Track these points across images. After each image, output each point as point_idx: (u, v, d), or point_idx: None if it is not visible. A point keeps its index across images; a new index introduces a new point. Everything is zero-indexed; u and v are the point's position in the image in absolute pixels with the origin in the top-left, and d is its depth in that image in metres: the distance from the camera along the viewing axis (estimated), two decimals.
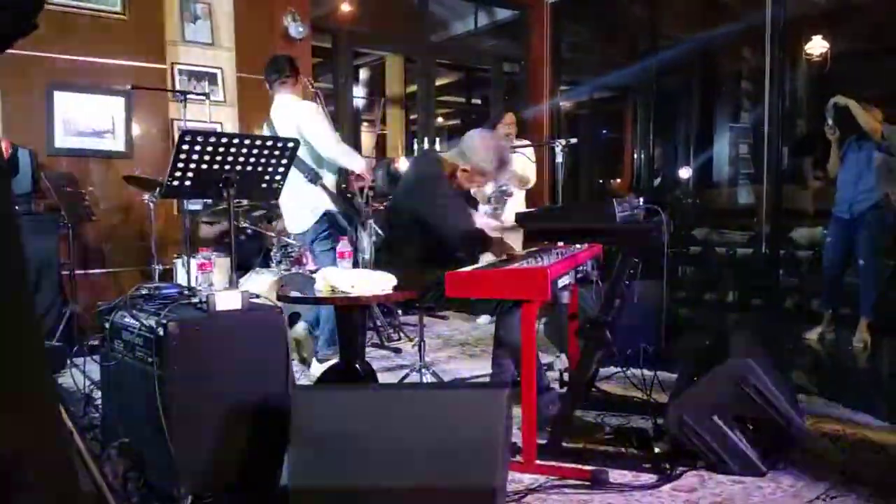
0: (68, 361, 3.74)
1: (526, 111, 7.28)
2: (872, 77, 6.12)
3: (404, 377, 3.36)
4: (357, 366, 2.66)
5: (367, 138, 10.58)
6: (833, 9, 6.66)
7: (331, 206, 3.74)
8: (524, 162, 5.01)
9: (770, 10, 5.62)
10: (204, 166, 2.58)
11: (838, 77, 6.70)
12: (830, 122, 4.52)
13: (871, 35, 6.54)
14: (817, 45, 6.46)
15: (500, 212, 4.95)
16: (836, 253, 4.59)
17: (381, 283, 2.54)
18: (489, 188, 4.96)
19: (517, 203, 5.25)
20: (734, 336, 2.78)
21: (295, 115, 3.71)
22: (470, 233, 3.04)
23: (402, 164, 5.59)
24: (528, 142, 5.47)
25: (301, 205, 3.73)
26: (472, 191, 5.25)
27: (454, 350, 4.49)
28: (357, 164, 3.75)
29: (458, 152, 3.13)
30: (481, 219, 3.57)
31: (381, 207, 5.22)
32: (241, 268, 4.40)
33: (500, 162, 3.09)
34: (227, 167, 2.64)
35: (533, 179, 5.24)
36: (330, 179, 3.80)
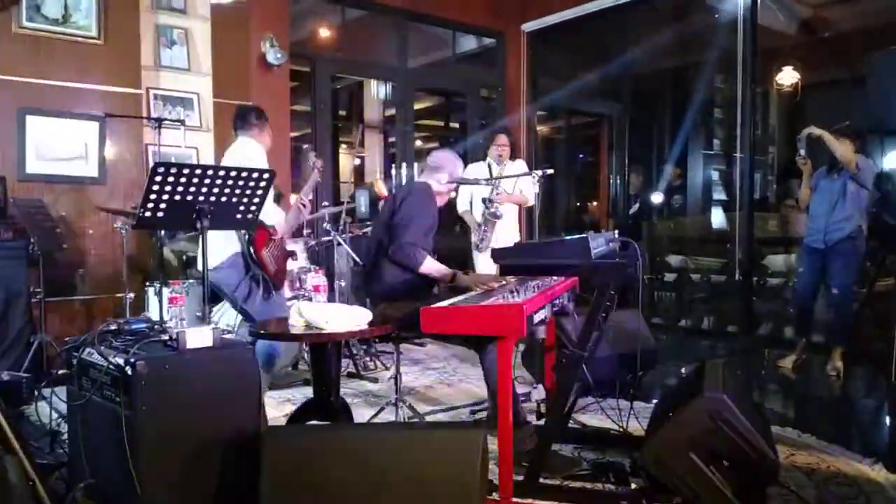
0: (35, 393, 3.65)
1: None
2: (844, 107, 6.26)
3: (380, 410, 3.32)
4: (332, 401, 2.63)
5: (346, 161, 10.61)
6: (804, 40, 6.81)
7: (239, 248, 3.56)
8: (523, 181, 4.83)
9: (742, 40, 5.74)
10: (177, 197, 2.55)
11: (810, 107, 6.86)
12: (802, 152, 4.57)
13: (841, 65, 6.70)
14: (788, 76, 6.61)
15: (489, 234, 4.85)
16: (808, 282, 4.63)
17: (356, 318, 2.51)
18: (478, 213, 4.92)
19: (511, 224, 5.06)
20: (709, 368, 2.78)
21: (239, 152, 3.62)
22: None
23: (382, 187, 5.56)
24: (523, 164, 5.21)
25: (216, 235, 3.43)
26: (462, 211, 5.19)
27: (431, 378, 4.46)
28: (272, 218, 3.63)
29: (430, 173, 3.38)
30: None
31: (360, 234, 5.21)
32: (215, 297, 4.34)
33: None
34: (200, 198, 2.61)
35: (531, 198, 4.89)
36: None
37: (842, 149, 4.32)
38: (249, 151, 3.64)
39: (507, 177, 4.55)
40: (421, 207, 3.18)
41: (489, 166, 5.01)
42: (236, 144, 3.80)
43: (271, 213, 3.59)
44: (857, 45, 6.11)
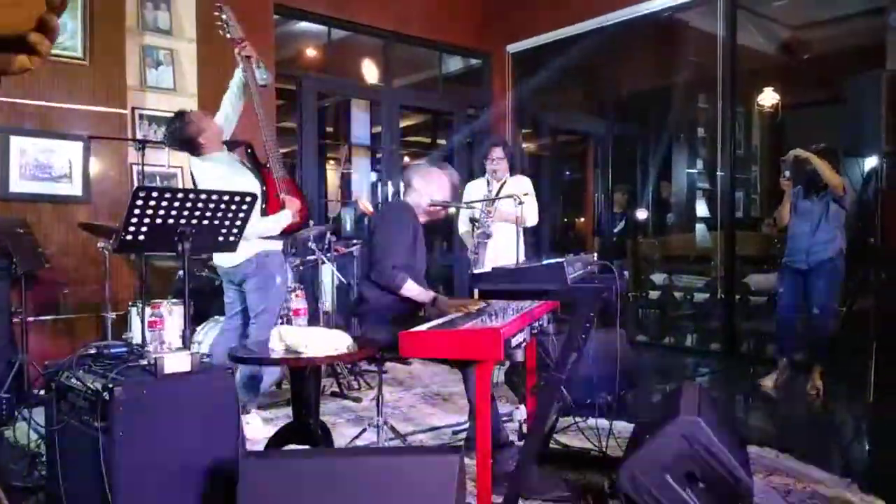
0: (16, 414, 3.63)
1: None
2: (823, 127, 6.36)
3: (361, 432, 3.33)
4: (311, 424, 2.63)
5: (333, 176, 10.63)
6: (784, 62, 6.93)
7: (267, 247, 3.57)
8: (521, 197, 4.17)
9: (722, 62, 5.82)
10: (159, 221, 2.57)
11: (789, 126, 6.96)
12: (788, 173, 4.60)
13: (820, 86, 6.82)
14: (769, 96, 6.72)
15: (481, 255, 4.60)
16: (790, 302, 4.65)
17: (335, 342, 2.52)
18: (476, 234, 4.65)
19: (510, 243, 4.33)
20: (685, 389, 2.81)
21: (210, 174, 3.56)
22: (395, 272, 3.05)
23: (367, 205, 5.56)
24: (526, 180, 4.78)
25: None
26: (462, 231, 4.97)
27: (415, 398, 4.46)
28: (279, 226, 3.56)
29: (414, 192, 3.33)
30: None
31: (345, 252, 5.20)
32: (200, 316, 4.34)
33: (454, 188, 3.37)
34: (182, 221, 2.63)
35: (530, 217, 4.53)
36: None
37: (829, 172, 4.35)
38: (207, 170, 3.58)
39: (486, 199, 4.51)
40: (397, 228, 3.16)
41: (487, 182, 4.72)
42: (203, 165, 3.62)
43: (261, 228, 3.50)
44: (837, 66, 6.22)
